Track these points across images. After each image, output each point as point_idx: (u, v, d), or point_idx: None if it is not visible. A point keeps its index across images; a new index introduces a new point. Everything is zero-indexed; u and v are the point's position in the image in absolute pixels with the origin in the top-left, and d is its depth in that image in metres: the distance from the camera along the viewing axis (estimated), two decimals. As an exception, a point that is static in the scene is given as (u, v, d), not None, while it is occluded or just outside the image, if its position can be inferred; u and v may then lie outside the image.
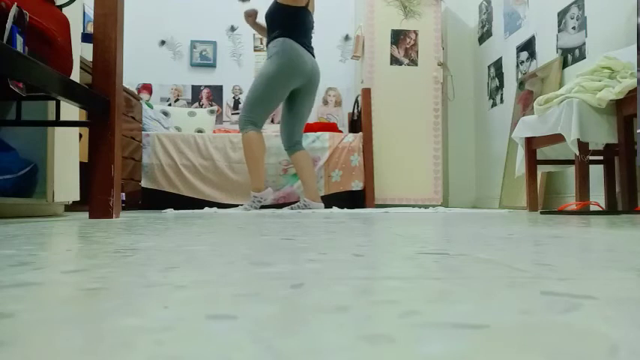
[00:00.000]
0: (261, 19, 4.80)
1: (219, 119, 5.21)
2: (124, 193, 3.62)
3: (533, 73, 3.82)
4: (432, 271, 0.46)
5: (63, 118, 2.18)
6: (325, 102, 5.33)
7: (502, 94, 4.49)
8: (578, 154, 2.48)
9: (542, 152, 3.09)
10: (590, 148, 2.56)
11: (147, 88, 5.20)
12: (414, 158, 4.51)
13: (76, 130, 2.42)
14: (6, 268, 0.48)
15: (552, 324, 0.26)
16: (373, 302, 0.32)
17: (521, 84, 4.01)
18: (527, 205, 3.02)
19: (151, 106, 4.49)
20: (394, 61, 4.57)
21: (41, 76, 1.42)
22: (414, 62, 4.58)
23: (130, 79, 5.18)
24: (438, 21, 4.62)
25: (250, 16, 3.35)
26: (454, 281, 0.40)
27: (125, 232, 1.00)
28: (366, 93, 4.46)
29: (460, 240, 0.79)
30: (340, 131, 4.55)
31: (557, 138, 2.67)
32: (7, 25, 1.38)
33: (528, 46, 4.00)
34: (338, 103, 5.34)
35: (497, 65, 4.57)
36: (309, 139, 4.18)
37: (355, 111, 4.76)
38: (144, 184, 4.04)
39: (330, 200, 4.13)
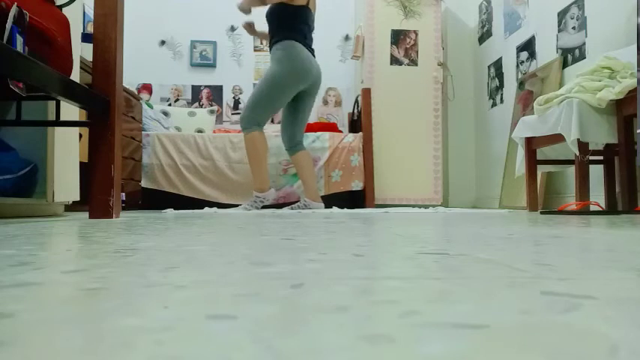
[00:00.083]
0: (261, 23, 4.80)
1: (219, 119, 5.21)
2: (124, 193, 3.62)
3: (533, 73, 3.82)
4: (432, 271, 0.46)
5: (63, 118, 2.18)
6: (325, 102, 5.33)
7: (502, 94, 4.49)
8: (578, 154, 2.48)
9: (542, 152, 3.09)
10: (590, 148, 2.56)
11: (147, 88, 5.20)
12: (414, 158, 4.51)
13: (76, 130, 2.42)
14: (6, 268, 0.48)
15: (552, 324, 0.26)
16: (373, 302, 0.32)
17: (521, 84, 4.01)
18: (527, 205, 3.02)
19: (151, 106, 4.49)
20: (394, 61, 4.57)
21: (41, 76, 1.42)
22: (414, 62, 4.58)
23: (130, 79, 5.18)
24: (438, 21, 4.62)
25: (250, 27, 3.35)
26: (454, 281, 0.40)
27: (125, 232, 1.00)
28: (366, 93, 4.46)
29: (460, 240, 0.79)
30: (340, 131, 4.55)
31: (557, 138, 2.67)
32: (7, 25, 1.38)
33: (528, 46, 4.00)
34: (338, 103, 5.34)
35: (497, 65, 4.57)
36: (309, 139, 4.18)
37: (355, 111, 4.76)
38: (144, 184, 4.04)
39: (330, 200, 4.13)
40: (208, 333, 0.24)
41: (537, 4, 3.85)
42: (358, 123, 4.57)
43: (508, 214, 2.31)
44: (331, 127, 4.47)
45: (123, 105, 3.52)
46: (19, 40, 1.43)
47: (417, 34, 4.59)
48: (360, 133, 4.33)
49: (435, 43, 4.61)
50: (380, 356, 0.21)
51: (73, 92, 1.60)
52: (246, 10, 3.13)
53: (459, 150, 5.12)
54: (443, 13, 5.07)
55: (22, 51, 1.45)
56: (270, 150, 4.12)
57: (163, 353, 0.21)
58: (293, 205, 3.31)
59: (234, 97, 5.27)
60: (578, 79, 2.57)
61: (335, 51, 5.36)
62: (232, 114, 5.27)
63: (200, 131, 4.64)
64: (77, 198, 2.41)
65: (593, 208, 2.97)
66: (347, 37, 5.38)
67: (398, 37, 4.58)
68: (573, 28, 3.37)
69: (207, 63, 5.25)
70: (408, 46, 4.59)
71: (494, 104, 4.67)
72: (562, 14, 3.51)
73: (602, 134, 2.46)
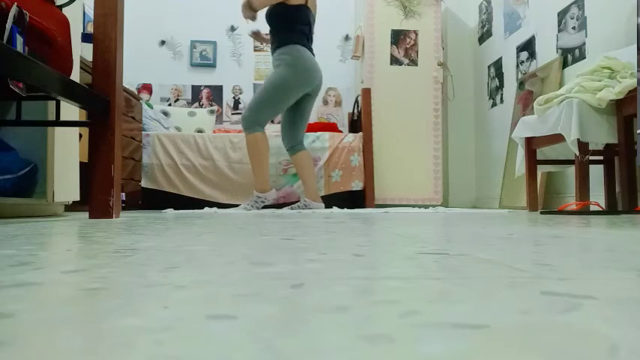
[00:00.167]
0: (262, 23, 4.80)
1: (219, 119, 5.21)
2: (124, 193, 3.62)
3: (533, 73, 3.82)
4: (432, 271, 0.46)
5: (63, 118, 2.18)
6: (325, 102, 5.33)
7: (502, 94, 4.49)
8: (578, 154, 2.48)
9: (542, 152, 3.09)
10: (590, 148, 2.56)
11: (147, 88, 5.20)
12: (414, 158, 4.51)
13: (76, 130, 2.42)
14: (6, 268, 0.48)
15: (552, 324, 0.26)
16: (373, 302, 0.32)
17: (521, 84, 4.01)
18: (527, 205, 3.02)
19: (151, 106, 4.49)
20: (394, 61, 4.57)
21: (41, 76, 1.42)
22: (414, 62, 4.58)
23: (130, 79, 5.18)
24: (438, 21, 4.62)
25: (257, 35, 3.38)
26: (454, 281, 0.40)
27: (125, 232, 1.00)
28: (366, 93, 4.46)
29: (460, 240, 0.79)
30: (340, 131, 4.55)
31: (557, 138, 2.67)
32: (7, 25, 1.38)
33: (528, 46, 4.00)
34: (338, 103, 5.34)
35: (497, 65, 4.57)
36: (309, 139, 4.18)
37: (355, 111, 4.76)
38: (144, 184, 4.04)
39: (330, 200, 4.13)
40: (208, 333, 0.24)
41: (537, 4, 3.85)
42: (358, 123, 4.57)
43: (508, 214, 2.31)
44: (331, 127, 4.47)
45: (123, 105, 3.52)
46: (19, 40, 1.43)
47: (417, 34, 4.59)
48: (360, 133, 4.33)
49: (435, 43, 4.61)
50: (380, 356, 0.21)
51: (73, 92, 1.60)
52: (252, 17, 3.16)
53: (459, 150, 5.12)
54: (443, 13, 5.07)
55: (22, 51, 1.45)
56: (270, 150, 4.12)
57: (163, 353, 0.21)
58: (293, 205, 3.32)
59: (234, 97, 5.27)
60: (578, 79, 2.57)
61: (335, 51, 5.36)
62: (232, 114, 5.27)
63: (200, 131, 4.64)
64: (77, 198, 2.41)
65: (593, 208, 2.97)
66: (347, 37, 5.38)
67: (398, 37, 4.58)
68: (573, 28, 3.37)
69: (207, 63, 5.25)
70: (408, 46, 4.59)
71: (494, 104, 4.67)
72: (562, 14, 3.51)
73: (602, 134, 2.46)
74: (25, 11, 1.48)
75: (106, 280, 0.41)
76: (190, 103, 5.23)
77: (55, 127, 2.18)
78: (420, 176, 4.50)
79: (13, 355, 0.21)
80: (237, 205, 4.11)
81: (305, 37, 3.18)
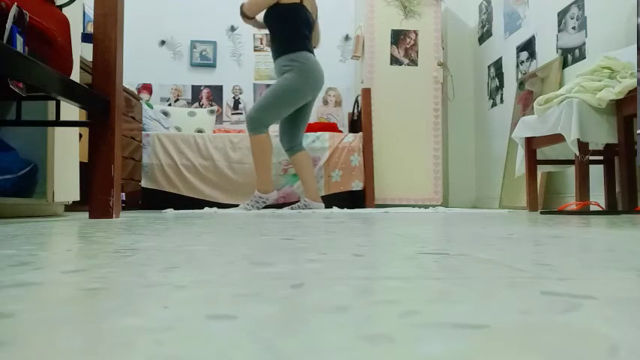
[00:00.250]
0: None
1: (219, 119, 5.21)
2: (124, 193, 3.62)
3: (533, 73, 3.82)
4: (432, 271, 0.46)
5: (63, 118, 2.18)
6: (325, 102, 5.33)
7: (502, 94, 4.49)
8: (578, 154, 2.48)
9: (542, 152, 3.09)
10: (590, 148, 2.56)
11: (147, 88, 5.20)
12: (414, 158, 4.51)
13: (76, 130, 2.42)
14: (6, 268, 0.48)
15: (552, 324, 0.26)
16: (373, 302, 0.32)
17: (521, 84, 4.01)
18: (527, 205, 3.02)
19: (151, 106, 4.49)
20: (394, 61, 4.57)
21: (41, 76, 1.42)
22: (414, 62, 4.58)
23: (130, 79, 5.18)
24: (438, 21, 4.62)
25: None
26: (454, 281, 0.40)
27: (125, 232, 1.00)
28: (366, 93, 4.46)
29: (460, 240, 0.79)
30: (340, 131, 4.55)
31: (557, 138, 2.67)
32: (7, 25, 1.38)
33: (528, 46, 4.00)
34: (338, 103, 5.34)
35: (497, 65, 4.57)
36: (309, 139, 4.18)
37: (355, 111, 4.76)
38: (144, 184, 4.04)
39: (330, 200, 4.13)
40: (208, 333, 0.24)
41: (537, 4, 3.85)
42: (358, 123, 4.57)
43: (508, 214, 2.31)
44: (331, 127, 4.47)
45: (123, 105, 3.52)
46: (19, 40, 1.43)
47: (417, 34, 4.59)
48: (360, 133, 4.33)
49: (435, 43, 4.61)
50: (380, 356, 0.21)
51: (73, 92, 1.60)
52: (253, 24, 3.29)
53: (459, 150, 5.12)
54: (443, 13, 5.07)
55: (22, 51, 1.45)
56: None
57: (163, 353, 0.21)
58: (293, 205, 3.32)
59: (234, 97, 5.27)
60: (578, 79, 2.57)
61: (335, 51, 5.36)
62: (232, 114, 5.26)
63: (200, 131, 4.64)
64: (77, 198, 2.41)
65: (593, 208, 2.97)
66: (347, 37, 5.38)
67: (398, 37, 4.58)
68: (573, 28, 3.37)
69: (207, 63, 5.25)
70: (408, 46, 4.59)
71: (494, 104, 4.67)
72: (562, 14, 3.51)
73: (602, 134, 2.46)
74: (25, 11, 1.48)
75: (106, 280, 0.41)
76: (190, 103, 5.23)
77: (55, 127, 2.18)
78: (420, 176, 4.50)
79: (13, 355, 0.21)
80: (237, 205, 4.11)
81: (307, 41, 3.20)
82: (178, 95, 5.23)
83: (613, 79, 2.50)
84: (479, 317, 0.28)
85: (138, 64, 5.19)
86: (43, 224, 1.36)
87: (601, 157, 2.79)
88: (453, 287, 0.37)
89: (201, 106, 5.22)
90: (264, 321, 0.27)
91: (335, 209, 3.26)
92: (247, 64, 5.31)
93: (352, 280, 0.40)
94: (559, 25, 3.55)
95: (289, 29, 3.15)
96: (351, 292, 0.35)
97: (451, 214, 2.30)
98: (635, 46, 2.42)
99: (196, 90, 5.24)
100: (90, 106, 1.74)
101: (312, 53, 3.24)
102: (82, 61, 2.82)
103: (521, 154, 3.07)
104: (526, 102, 3.86)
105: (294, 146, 3.29)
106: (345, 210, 3.31)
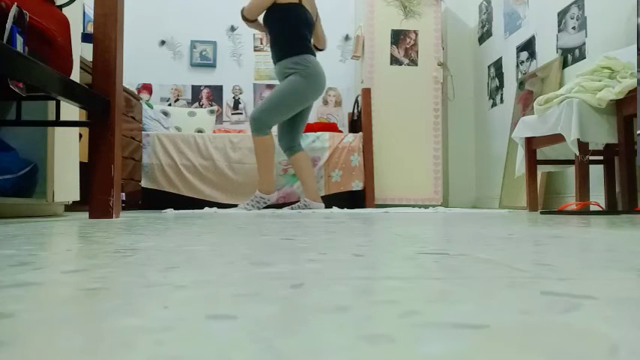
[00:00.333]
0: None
1: (219, 119, 5.21)
2: (124, 193, 3.62)
3: (533, 73, 3.82)
4: (432, 271, 0.46)
5: (63, 118, 2.18)
6: (325, 102, 5.33)
7: (502, 94, 4.49)
8: (578, 154, 2.48)
9: (542, 152, 3.09)
10: (590, 148, 2.56)
11: (147, 88, 5.20)
12: (414, 158, 4.51)
13: (76, 130, 2.42)
14: (6, 268, 0.48)
15: (552, 324, 0.26)
16: (373, 302, 0.32)
17: (521, 84, 4.01)
18: (527, 205, 3.02)
19: (151, 106, 4.49)
20: (394, 61, 4.57)
21: (41, 76, 1.42)
22: (414, 62, 4.58)
23: (130, 79, 5.18)
24: (438, 21, 4.62)
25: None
26: (454, 281, 0.40)
27: (125, 232, 1.00)
28: (366, 93, 4.46)
29: (460, 240, 0.79)
30: (340, 131, 4.55)
31: (557, 138, 2.67)
32: (7, 25, 1.38)
33: (528, 46, 4.00)
34: (338, 103, 5.34)
35: (497, 65, 4.57)
36: (309, 139, 4.18)
37: (355, 111, 4.76)
38: (144, 184, 4.04)
39: (330, 200, 4.13)
40: (208, 333, 0.24)
41: (537, 4, 3.85)
42: (358, 123, 4.57)
43: (508, 214, 2.31)
44: (331, 127, 4.47)
45: (123, 105, 3.52)
46: (19, 40, 1.43)
47: (417, 34, 4.59)
48: (360, 133, 4.33)
49: (435, 43, 4.61)
50: (380, 356, 0.21)
51: (73, 92, 1.60)
52: (256, 28, 3.30)
53: (459, 150, 5.12)
54: (443, 13, 5.07)
55: (22, 51, 1.45)
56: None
57: (163, 353, 0.21)
58: (293, 205, 3.32)
59: (234, 97, 5.27)
60: (578, 79, 2.57)
61: (335, 51, 5.36)
62: (232, 114, 5.26)
63: (200, 131, 4.64)
64: (77, 198, 2.41)
65: (593, 208, 2.97)
66: (347, 37, 5.38)
67: (398, 37, 4.58)
68: (573, 28, 3.37)
69: (207, 63, 5.25)
70: (408, 46, 4.59)
71: (494, 104, 4.67)
72: (562, 14, 3.51)
73: (602, 134, 2.46)
74: (25, 11, 1.48)
75: (106, 280, 0.41)
76: (190, 103, 5.22)
77: (55, 127, 2.18)
78: (420, 176, 4.50)
79: (13, 355, 0.21)
80: (236, 205, 4.11)
81: (309, 42, 3.21)
82: (178, 95, 5.23)
83: (613, 79, 2.50)
84: (479, 317, 0.28)
85: (138, 64, 5.19)
86: (43, 224, 1.36)
87: (601, 157, 2.79)
88: (453, 287, 0.37)
89: (201, 106, 5.22)
90: (264, 321, 0.27)
91: (335, 209, 3.27)
92: (247, 64, 5.30)
93: (352, 280, 0.40)
94: (559, 25, 3.55)
95: (289, 30, 3.15)
96: (351, 292, 0.35)
97: (451, 214, 2.30)
98: (635, 46, 2.42)
99: (196, 90, 5.24)
100: (90, 106, 1.74)
101: (314, 55, 3.24)
102: (82, 61, 2.82)
103: (521, 154, 3.07)
104: (526, 102, 3.86)
105: (292, 147, 3.30)
106: (345, 210, 3.31)
